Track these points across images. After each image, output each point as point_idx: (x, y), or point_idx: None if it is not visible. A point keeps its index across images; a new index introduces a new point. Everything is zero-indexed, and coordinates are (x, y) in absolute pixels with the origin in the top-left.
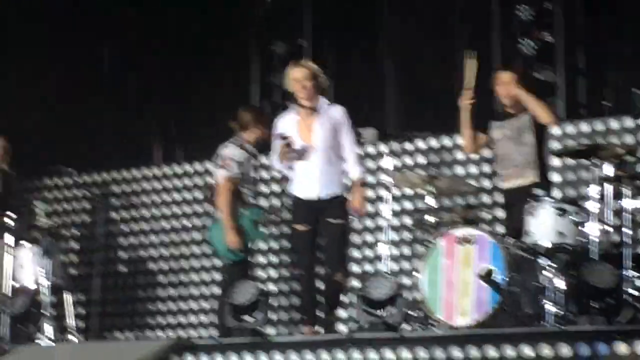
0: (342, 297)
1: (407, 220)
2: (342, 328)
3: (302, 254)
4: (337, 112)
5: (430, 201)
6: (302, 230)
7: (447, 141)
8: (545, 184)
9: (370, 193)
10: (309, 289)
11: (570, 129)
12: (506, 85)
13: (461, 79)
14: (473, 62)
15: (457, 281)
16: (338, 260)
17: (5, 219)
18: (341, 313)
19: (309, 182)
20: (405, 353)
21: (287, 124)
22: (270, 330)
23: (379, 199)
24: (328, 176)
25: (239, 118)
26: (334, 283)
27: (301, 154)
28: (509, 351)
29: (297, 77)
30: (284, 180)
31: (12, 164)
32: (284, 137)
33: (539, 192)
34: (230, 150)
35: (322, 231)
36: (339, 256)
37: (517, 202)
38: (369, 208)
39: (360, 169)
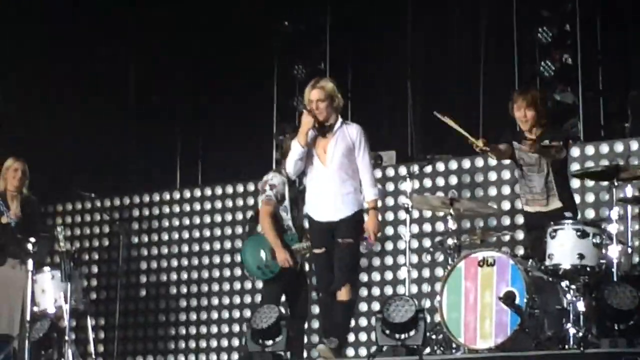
0: (352, 318)
1: (427, 243)
2: (362, 352)
3: (319, 276)
4: (353, 132)
5: (451, 223)
6: (318, 252)
7: (467, 163)
8: (571, 209)
9: (390, 215)
10: (327, 309)
11: (590, 150)
12: (521, 107)
13: (479, 103)
14: (447, 119)
15: (478, 304)
16: (342, 279)
17: (27, 244)
18: (361, 336)
19: (322, 203)
20: None
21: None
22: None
23: (399, 221)
24: (341, 198)
25: (281, 146)
26: (338, 303)
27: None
28: None
29: (312, 98)
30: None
31: (32, 188)
32: (309, 110)
33: (567, 214)
34: (269, 175)
35: (335, 250)
36: (344, 275)
37: (539, 224)
38: (389, 231)
39: (374, 192)
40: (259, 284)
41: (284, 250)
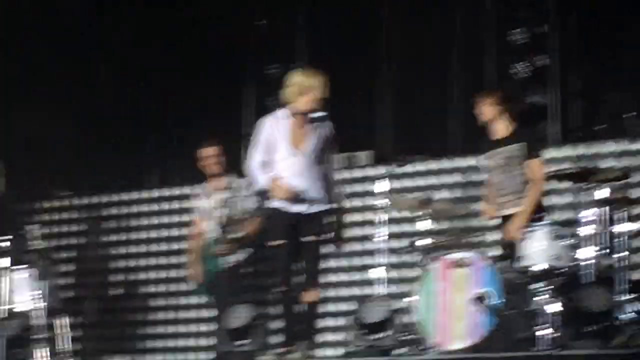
0: (318, 319)
1: (403, 243)
2: (337, 352)
3: (278, 270)
4: (329, 129)
5: (425, 224)
6: (276, 244)
7: (443, 164)
8: (540, 210)
9: (366, 215)
10: (287, 307)
11: (565, 152)
12: (482, 105)
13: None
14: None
15: (452, 305)
16: (311, 279)
17: (0, 242)
18: (336, 337)
19: (296, 194)
20: None
21: (278, 126)
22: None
23: (374, 222)
24: (314, 190)
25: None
26: (306, 305)
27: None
28: None
29: (313, 84)
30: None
31: (7, 186)
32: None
33: (534, 216)
34: None
35: (300, 249)
36: (313, 275)
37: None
38: (365, 231)
39: (341, 192)
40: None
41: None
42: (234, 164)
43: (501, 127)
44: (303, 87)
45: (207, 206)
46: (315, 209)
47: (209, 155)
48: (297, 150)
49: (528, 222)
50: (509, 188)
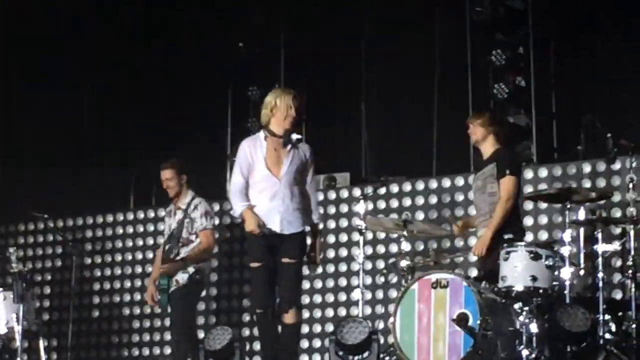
0: (299, 341)
1: (381, 264)
2: None
3: (256, 292)
4: (307, 151)
5: (404, 245)
6: (256, 267)
7: (421, 185)
8: (515, 229)
9: (344, 237)
10: (265, 329)
11: (543, 172)
12: (472, 126)
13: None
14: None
15: (431, 325)
16: (290, 301)
17: None
18: (315, 357)
19: (271, 216)
20: None
21: (254, 147)
22: None
23: (353, 242)
24: (291, 212)
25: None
26: (285, 327)
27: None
28: None
29: (294, 105)
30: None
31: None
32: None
33: (508, 236)
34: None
35: (279, 270)
36: (292, 297)
37: (491, 247)
38: (343, 252)
39: (319, 214)
40: (213, 305)
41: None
42: (217, 185)
43: (487, 148)
44: (273, 107)
45: (168, 227)
46: (292, 230)
47: (165, 178)
48: (272, 173)
49: (491, 239)
50: (482, 209)
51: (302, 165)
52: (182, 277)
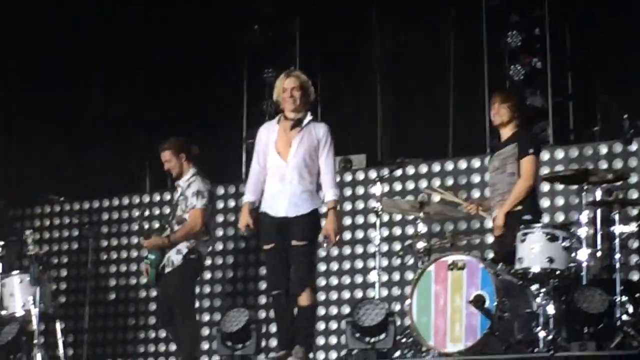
0: (315, 323)
1: (397, 246)
2: (333, 355)
3: (270, 274)
4: (320, 130)
5: (421, 227)
6: (267, 248)
7: (437, 167)
8: (534, 210)
9: (360, 219)
10: (280, 310)
11: (559, 154)
12: (500, 107)
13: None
14: (437, 192)
15: (448, 307)
16: (302, 283)
17: None
18: (332, 340)
19: (278, 199)
20: None
21: (268, 133)
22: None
23: (369, 224)
24: (298, 195)
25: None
26: (300, 309)
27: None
28: None
29: (287, 86)
30: None
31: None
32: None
33: (526, 217)
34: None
35: (290, 252)
36: (302, 279)
37: (508, 228)
38: (359, 234)
39: (335, 192)
40: (229, 288)
41: None
42: (233, 169)
43: (508, 130)
44: (281, 89)
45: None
46: (299, 212)
47: (165, 160)
48: (280, 156)
49: (509, 215)
50: (500, 189)
51: (312, 147)
52: (176, 258)
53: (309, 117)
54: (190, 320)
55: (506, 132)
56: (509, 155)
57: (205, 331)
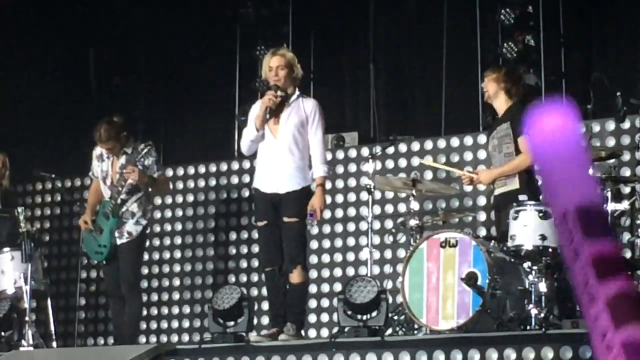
0: (306, 300)
1: (390, 224)
2: (324, 332)
3: (263, 250)
4: (309, 106)
5: (413, 204)
6: (261, 225)
7: (429, 145)
8: (531, 189)
9: (352, 196)
10: (273, 287)
11: None
12: (486, 81)
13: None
14: (433, 163)
15: (440, 285)
16: (293, 261)
17: None
18: (323, 317)
19: (268, 175)
20: (388, 357)
21: (257, 109)
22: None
23: (362, 202)
24: (288, 170)
25: None
26: (291, 286)
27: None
28: (493, 355)
29: (272, 64)
30: None
31: (12, 178)
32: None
33: (522, 197)
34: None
35: (282, 229)
36: (294, 256)
37: (504, 206)
38: (351, 212)
39: (324, 168)
40: (221, 265)
41: None
42: (225, 147)
43: (500, 106)
44: (268, 66)
45: None
46: (289, 188)
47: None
48: (271, 132)
49: (505, 195)
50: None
51: (301, 123)
52: (135, 229)
53: (297, 94)
54: (138, 299)
55: (500, 108)
56: (504, 134)
57: (197, 309)
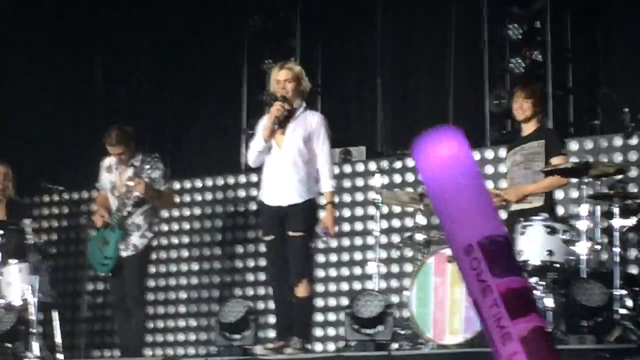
0: (312, 314)
1: (397, 238)
2: (331, 347)
3: (270, 265)
4: (314, 120)
5: (420, 219)
6: (268, 240)
7: None
8: (553, 208)
9: (359, 211)
10: (280, 301)
11: None
12: (523, 102)
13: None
14: None
15: (447, 299)
16: (298, 275)
17: None
18: (330, 331)
19: (273, 187)
20: None
21: (264, 122)
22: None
23: (368, 216)
24: (292, 183)
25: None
26: (297, 300)
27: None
28: None
29: (280, 78)
30: None
31: (18, 190)
32: (282, 99)
33: (543, 215)
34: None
35: (287, 243)
36: (299, 270)
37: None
38: (358, 226)
39: (332, 184)
40: (227, 278)
41: None
42: (233, 160)
43: (531, 125)
44: (275, 79)
45: None
46: (292, 201)
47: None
48: (277, 144)
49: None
50: (521, 185)
51: (307, 136)
52: (140, 242)
53: (303, 107)
54: (143, 311)
55: (529, 127)
56: (535, 152)
57: (203, 322)
